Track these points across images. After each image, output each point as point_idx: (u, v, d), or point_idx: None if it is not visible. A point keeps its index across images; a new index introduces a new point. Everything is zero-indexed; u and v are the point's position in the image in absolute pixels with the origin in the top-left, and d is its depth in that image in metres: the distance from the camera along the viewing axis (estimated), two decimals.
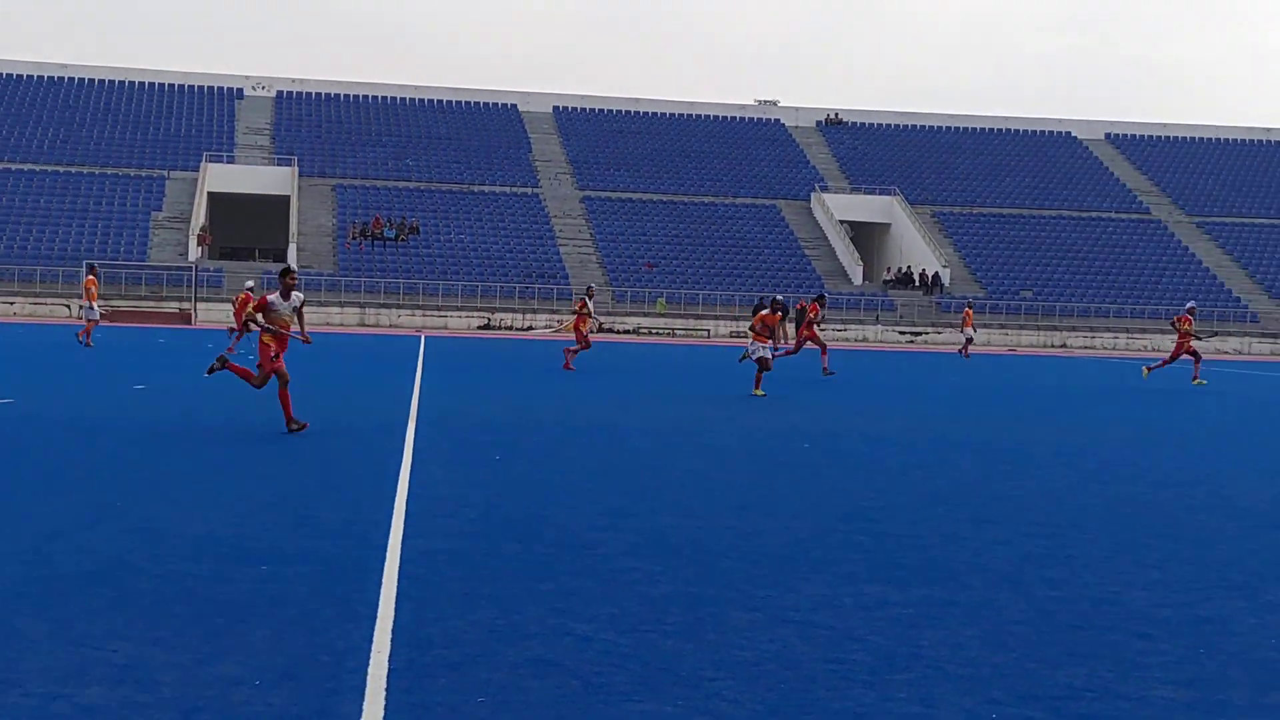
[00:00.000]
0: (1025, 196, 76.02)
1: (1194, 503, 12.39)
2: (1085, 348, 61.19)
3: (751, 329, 24.56)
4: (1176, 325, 30.61)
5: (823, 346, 31.62)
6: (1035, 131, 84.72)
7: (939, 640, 6.99)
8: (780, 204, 73.26)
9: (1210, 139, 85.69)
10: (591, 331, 31.71)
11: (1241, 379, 37.26)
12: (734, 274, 65.30)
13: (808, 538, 9.86)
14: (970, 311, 48.31)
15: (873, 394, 26.53)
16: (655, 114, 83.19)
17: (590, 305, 31.42)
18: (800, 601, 7.78)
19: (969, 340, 47.00)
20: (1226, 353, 60.52)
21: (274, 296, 15.40)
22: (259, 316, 15.47)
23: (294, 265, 64.03)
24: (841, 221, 70.95)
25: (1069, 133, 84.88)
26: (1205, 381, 30.96)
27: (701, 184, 74.88)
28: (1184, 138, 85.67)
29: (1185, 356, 30.66)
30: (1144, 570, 9.10)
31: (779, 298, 25.94)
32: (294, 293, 15.53)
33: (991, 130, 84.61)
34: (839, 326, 61.33)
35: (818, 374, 30.86)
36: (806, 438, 17.10)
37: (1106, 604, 8.03)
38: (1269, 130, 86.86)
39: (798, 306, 58.15)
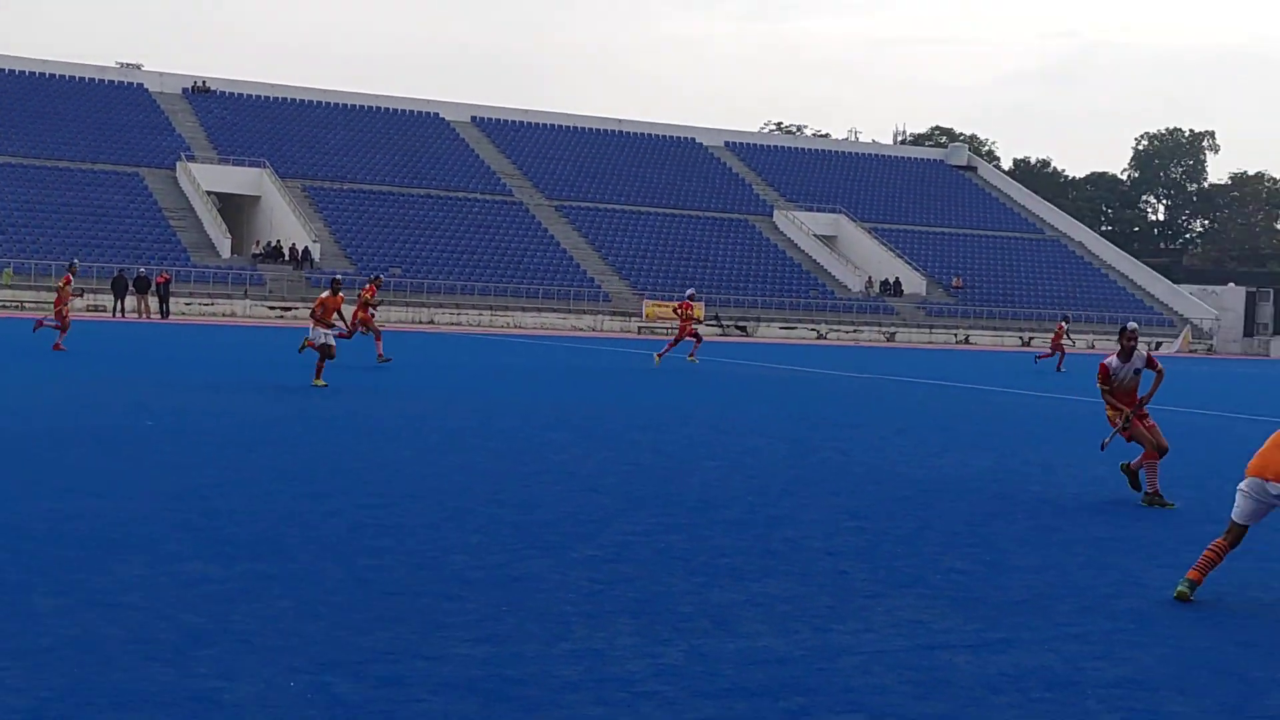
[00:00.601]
0: (395, 174, 77.08)
1: (527, 470, 13.09)
2: (452, 324, 63.04)
3: (312, 315, 22.52)
4: (679, 312, 32.72)
5: (377, 332, 28.54)
6: (405, 111, 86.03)
7: (252, 613, 6.98)
8: (143, 172, 70.21)
9: (568, 126, 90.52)
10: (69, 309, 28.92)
11: (594, 354, 39.74)
12: (93, 244, 61.91)
13: (134, 518, 9.55)
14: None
15: (229, 371, 26.05)
16: (4, 71, 77.29)
17: (73, 282, 28.94)
18: (113, 583, 7.52)
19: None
20: (581, 329, 64.29)
21: None
22: None
23: None
24: (209, 192, 68.99)
25: (437, 114, 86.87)
26: (698, 360, 32.95)
27: (57, 148, 70.38)
28: (544, 124, 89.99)
29: (688, 337, 32.94)
30: (466, 535, 9.52)
31: (338, 277, 24.51)
32: None
33: (362, 107, 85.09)
34: (206, 301, 59.72)
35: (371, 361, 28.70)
36: (152, 415, 16.53)
37: (424, 569, 8.33)
38: (620, 122, 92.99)
39: (158, 280, 55.98)
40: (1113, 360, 12.73)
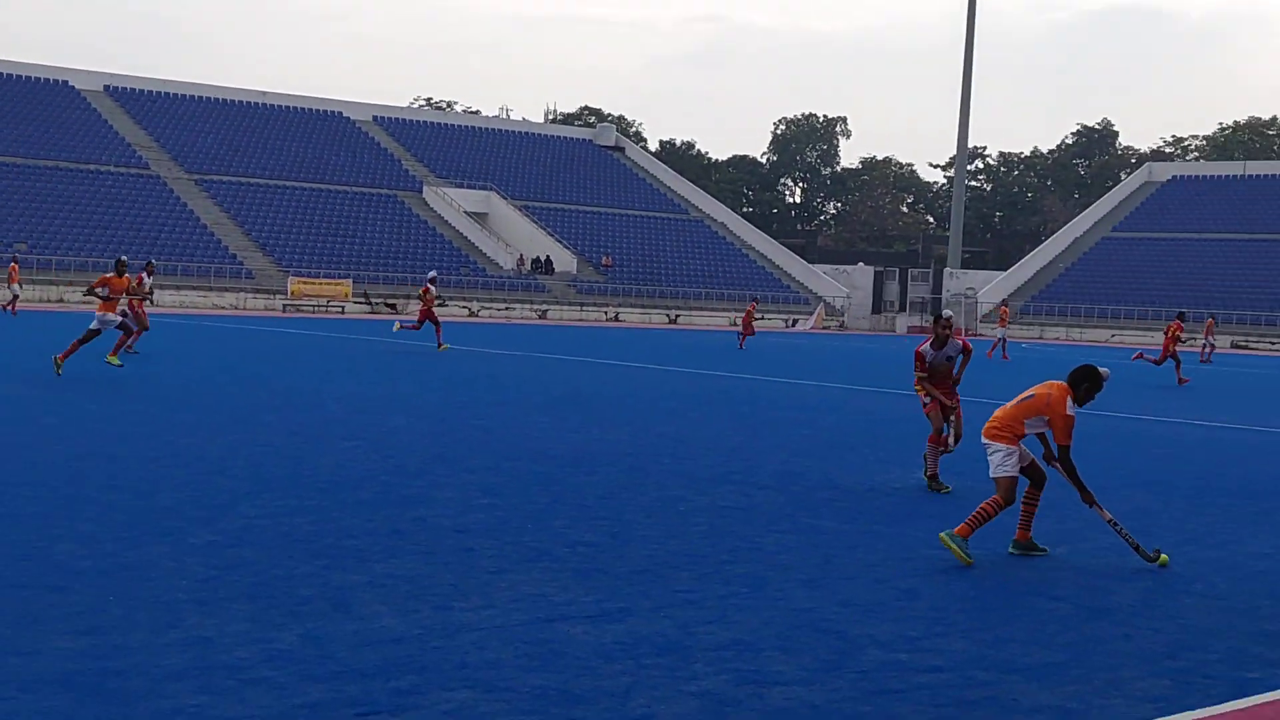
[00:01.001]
0: (20, 145, 72.70)
1: (149, 454, 12.57)
2: (84, 303, 59.95)
3: (92, 291, 20.99)
4: (423, 295, 33.10)
5: (141, 324, 26.62)
6: (31, 78, 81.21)
7: None
8: None
9: (209, 98, 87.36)
10: None
11: (234, 333, 38.56)
12: None
13: None
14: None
15: None
16: None
17: None
18: None
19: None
20: (223, 308, 62.26)
21: None
22: None
23: None
24: None
25: (67, 82, 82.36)
26: (449, 347, 33.15)
27: None
28: (183, 95, 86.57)
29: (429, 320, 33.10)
30: (78, 523, 9.07)
31: (124, 258, 22.22)
32: None
33: None
34: None
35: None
36: None
37: (27, 560, 7.90)
38: (264, 94, 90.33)
39: None
40: (926, 348, 12.88)
